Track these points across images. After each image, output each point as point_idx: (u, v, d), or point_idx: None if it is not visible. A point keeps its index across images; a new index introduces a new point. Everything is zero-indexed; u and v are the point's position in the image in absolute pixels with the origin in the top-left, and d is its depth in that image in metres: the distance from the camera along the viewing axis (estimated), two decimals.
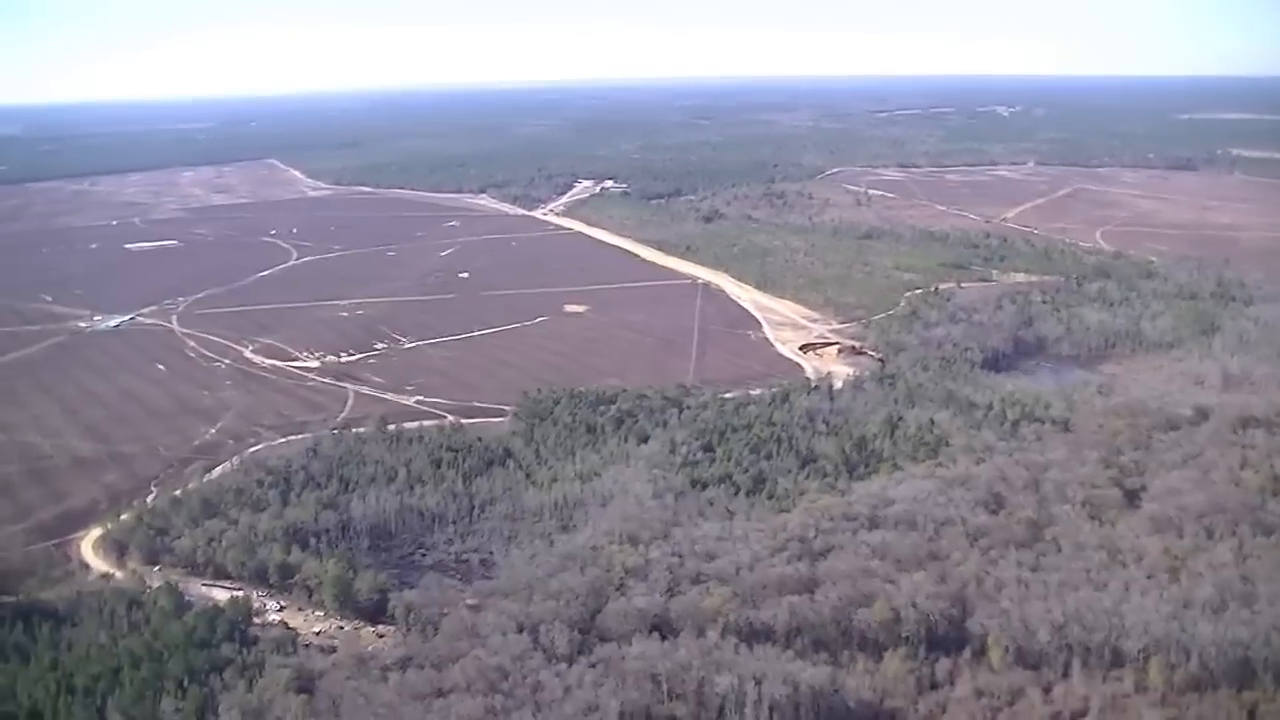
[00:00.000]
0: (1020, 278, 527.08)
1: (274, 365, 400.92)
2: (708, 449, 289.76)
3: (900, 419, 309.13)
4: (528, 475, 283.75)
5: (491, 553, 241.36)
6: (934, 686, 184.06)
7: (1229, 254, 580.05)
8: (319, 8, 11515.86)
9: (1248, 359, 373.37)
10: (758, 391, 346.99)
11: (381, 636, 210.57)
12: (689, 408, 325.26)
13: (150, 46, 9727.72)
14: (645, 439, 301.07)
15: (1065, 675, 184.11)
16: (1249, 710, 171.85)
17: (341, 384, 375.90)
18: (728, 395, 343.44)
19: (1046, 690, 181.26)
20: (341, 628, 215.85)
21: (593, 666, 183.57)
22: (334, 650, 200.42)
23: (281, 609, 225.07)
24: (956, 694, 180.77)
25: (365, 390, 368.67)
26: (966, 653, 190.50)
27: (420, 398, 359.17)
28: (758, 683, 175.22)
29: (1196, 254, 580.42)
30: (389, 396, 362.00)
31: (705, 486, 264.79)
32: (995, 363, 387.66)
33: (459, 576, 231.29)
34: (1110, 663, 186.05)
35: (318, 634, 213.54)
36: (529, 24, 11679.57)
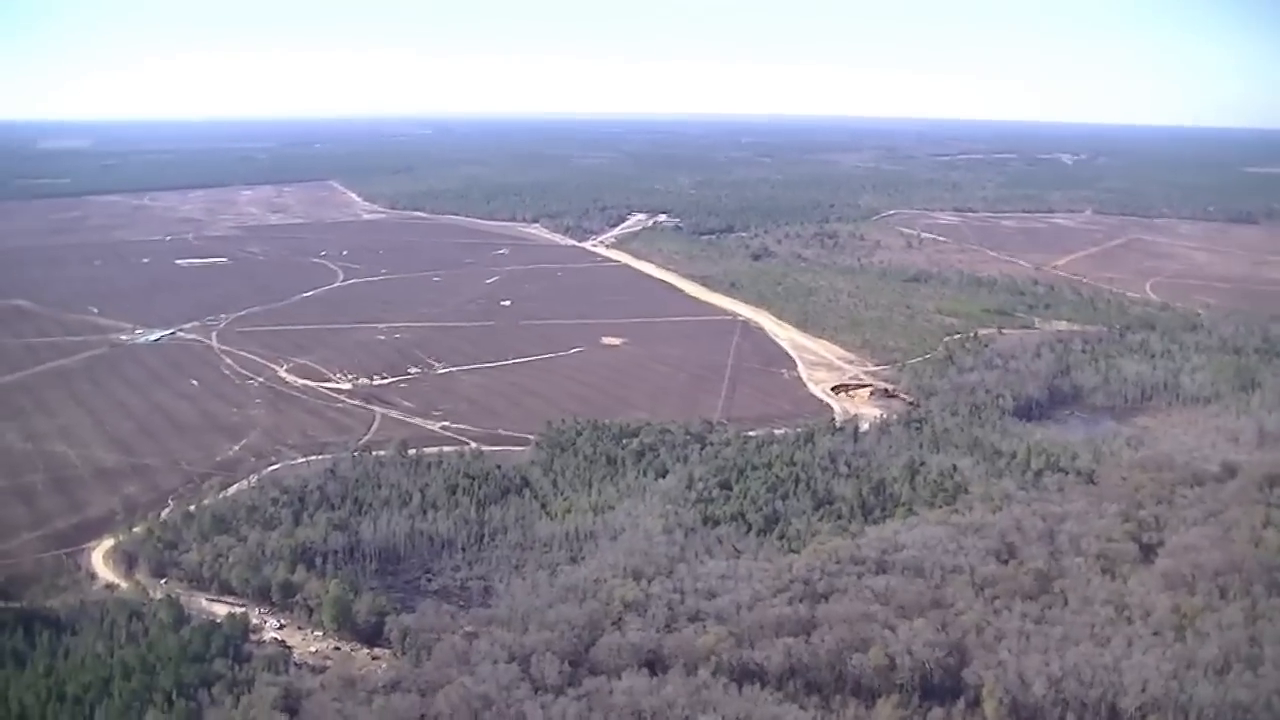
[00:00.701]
0: (1063, 326, 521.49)
1: (306, 385, 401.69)
2: (725, 486, 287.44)
3: (922, 464, 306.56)
4: (543, 505, 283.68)
5: (497, 581, 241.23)
6: None
7: (1279, 309, 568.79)
8: (390, 33, 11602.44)
9: None
10: (783, 431, 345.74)
11: (376, 659, 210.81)
12: (711, 444, 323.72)
13: (222, 66, 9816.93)
14: (664, 473, 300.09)
15: None
16: None
17: (370, 406, 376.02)
18: (752, 433, 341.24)
19: None
20: (338, 649, 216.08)
21: (579, 699, 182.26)
22: (326, 671, 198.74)
23: (281, 627, 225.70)
24: None
25: (393, 414, 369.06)
26: (961, 703, 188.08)
27: (446, 423, 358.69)
28: None
29: (1245, 308, 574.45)
30: (415, 421, 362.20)
31: (717, 524, 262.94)
32: (1028, 411, 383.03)
33: (461, 603, 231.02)
34: (1107, 719, 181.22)
35: (313, 654, 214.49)
36: (596, 57, 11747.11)
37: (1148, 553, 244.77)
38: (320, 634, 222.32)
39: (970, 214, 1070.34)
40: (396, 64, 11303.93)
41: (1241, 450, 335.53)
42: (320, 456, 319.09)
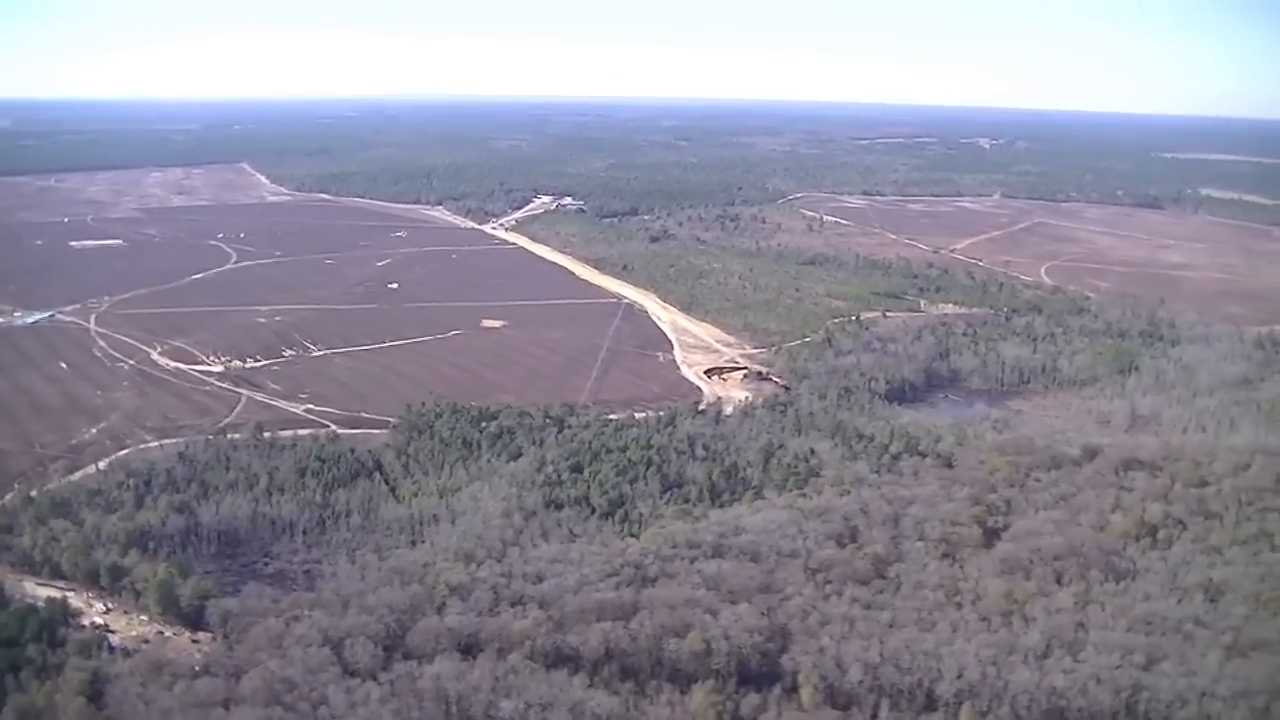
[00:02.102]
0: (949, 309, 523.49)
1: (177, 368, 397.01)
2: (576, 469, 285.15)
3: (780, 447, 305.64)
4: (392, 489, 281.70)
5: (331, 565, 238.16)
6: None
7: (1171, 293, 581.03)
8: (323, 14, 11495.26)
9: (1159, 399, 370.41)
10: (644, 414, 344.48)
11: (196, 643, 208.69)
12: (570, 427, 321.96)
13: (152, 46, 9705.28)
14: (518, 456, 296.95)
15: (874, 717, 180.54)
16: None
17: (238, 389, 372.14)
18: (613, 416, 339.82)
19: None
20: (161, 633, 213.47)
21: (384, 684, 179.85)
22: (136, 655, 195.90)
23: (108, 611, 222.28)
24: None
25: (259, 396, 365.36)
26: (778, 689, 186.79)
27: (311, 406, 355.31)
28: (543, 709, 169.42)
29: (1138, 292, 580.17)
30: (280, 403, 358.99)
31: (560, 507, 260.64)
32: (901, 394, 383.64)
33: (294, 587, 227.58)
34: (923, 706, 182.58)
35: (135, 638, 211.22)
36: (530, 39, 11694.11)
37: (991, 537, 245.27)
38: (146, 618, 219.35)
39: (879, 197, 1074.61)
40: (331, 46, 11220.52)
41: (1111, 433, 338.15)
42: (174, 440, 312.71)
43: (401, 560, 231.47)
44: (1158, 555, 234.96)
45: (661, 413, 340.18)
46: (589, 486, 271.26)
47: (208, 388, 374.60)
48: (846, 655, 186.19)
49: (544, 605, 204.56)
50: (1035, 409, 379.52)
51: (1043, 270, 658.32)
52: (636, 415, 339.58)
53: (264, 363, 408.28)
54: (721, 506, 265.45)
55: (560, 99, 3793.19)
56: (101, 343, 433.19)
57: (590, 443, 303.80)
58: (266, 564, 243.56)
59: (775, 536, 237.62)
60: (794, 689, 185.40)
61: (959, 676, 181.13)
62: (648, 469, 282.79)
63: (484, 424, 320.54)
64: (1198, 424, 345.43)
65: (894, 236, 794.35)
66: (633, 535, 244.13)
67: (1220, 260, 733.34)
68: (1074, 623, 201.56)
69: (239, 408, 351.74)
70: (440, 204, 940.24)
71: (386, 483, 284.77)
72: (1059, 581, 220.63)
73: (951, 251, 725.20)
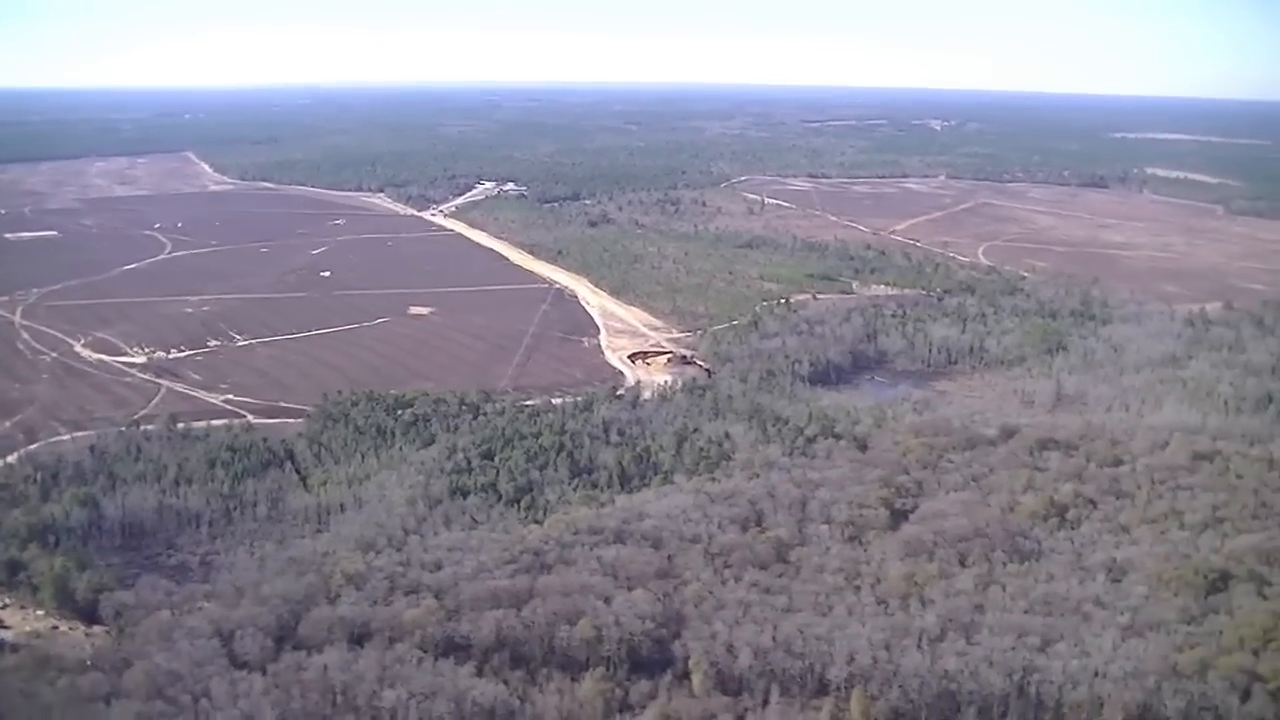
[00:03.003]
0: (882, 290, 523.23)
1: (99, 360, 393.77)
2: (487, 456, 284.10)
3: (695, 431, 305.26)
4: (302, 478, 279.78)
5: (232, 555, 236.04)
6: (626, 709, 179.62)
7: (1107, 272, 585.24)
8: (280, 5, 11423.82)
9: (1085, 378, 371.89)
10: (559, 400, 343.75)
11: (90, 636, 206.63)
12: (485, 414, 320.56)
13: (103, 36, 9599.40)
14: (430, 444, 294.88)
15: (765, 703, 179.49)
16: None
17: (159, 380, 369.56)
18: (530, 402, 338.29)
19: (739, 718, 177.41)
20: (55, 627, 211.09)
21: (269, 675, 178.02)
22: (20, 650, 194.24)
23: (4, 607, 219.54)
24: (645, 718, 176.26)
25: (179, 387, 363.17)
26: (669, 676, 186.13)
27: (230, 397, 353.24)
28: (426, 698, 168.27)
29: (1075, 271, 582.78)
30: (200, 394, 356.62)
31: (466, 495, 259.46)
32: (826, 376, 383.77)
33: (197, 579, 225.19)
34: (814, 691, 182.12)
35: (29, 633, 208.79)
36: (485, 28, 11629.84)
37: (899, 519, 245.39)
38: (42, 613, 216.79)
39: (823, 180, 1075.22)
40: (287, 37, 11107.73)
41: (1034, 413, 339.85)
42: (86, 433, 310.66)
43: (300, 550, 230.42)
44: (1065, 535, 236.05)
45: (580, 398, 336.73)
46: (498, 473, 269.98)
47: (128, 379, 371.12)
48: (738, 641, 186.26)
49: (438, 594, 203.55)
50: (960, 389, 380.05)
51: (980, 251, 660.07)
52: (554, 401, 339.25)
53: (188, 353, 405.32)
54: (631, 492, 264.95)
55: (514, 85, 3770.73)
56: (25, 335, 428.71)
57: (504, 429, 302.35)
58: (170, 556, 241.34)
59: (678, 521, 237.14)
60: (685, 675, 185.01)
61: (850, 661, 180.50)
62: (558, 455, 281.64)
63: (399, 412, 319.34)
64: (1122, 403, 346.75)
65: (835, 218, 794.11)
66: (537, 522, 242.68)
67: (1160, 239, 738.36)
68: (972, 605, 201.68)
69: (157, 399, 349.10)
70: (381, 191, 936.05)
71: (298, 472, 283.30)
72: (962, 563, 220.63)
73: (891, 233, 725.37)
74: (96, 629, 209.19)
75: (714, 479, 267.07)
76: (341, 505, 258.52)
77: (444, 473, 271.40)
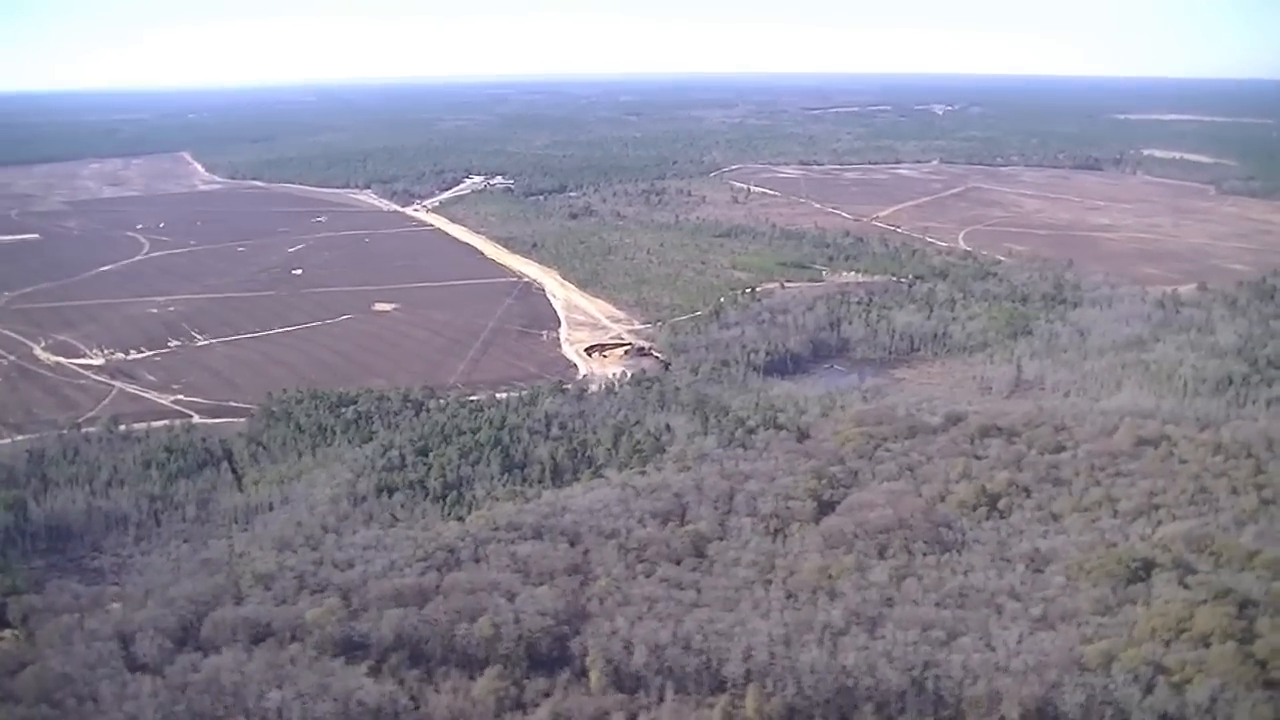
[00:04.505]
0: (853, 277, 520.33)
1: (57, 362, 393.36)
2: (422, 453, 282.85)
3: (637, 423, 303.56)
4: (238, 478, 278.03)
5: (154, 557, 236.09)
6: (520, 707, 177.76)
7: (1087, 255, 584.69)
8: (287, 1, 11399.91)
9: (1047, 363, 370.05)
10: (504, 395, 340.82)
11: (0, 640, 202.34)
12: (428, 410, 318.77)
13: (112, 37, 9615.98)
14: (369, 441, 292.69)
15: (661, 700, 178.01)
16: None
17: (113, 382, 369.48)
18: (475, 397, 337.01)
19: (633, 716, 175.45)
20: None
21: (164, 677, 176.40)
22: None
23: None
24: (536, 717, 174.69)
25: (132, 388, 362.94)
26: (567, 673, 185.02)
27: (180, 397, 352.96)
28: (312, 699, 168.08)
29: (1055, 255, 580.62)
30: (151, 395, 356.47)
31: (393, 492, 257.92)
32: (783, 366, 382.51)
33: (116, 581, 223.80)
34: (711, 688, 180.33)
35: None
36: (495, 16, 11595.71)
37: (826, 510, 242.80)
38: None
39: (815, 167, 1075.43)
40: (296, 32, 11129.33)
41: (990, 399, 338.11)
42: (27, 436, 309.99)
43: (215, 550, 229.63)
44: (992, 525, 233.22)
45: (526, 392, 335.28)
46: (429, 470, 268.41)
47: (82, 381, 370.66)
48: (639, 637, 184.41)
49: (345, 592, 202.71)
50: (919, 376, 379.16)
51: (961, 236, 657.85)
52: (500, 396, 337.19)
53: (147, 354, 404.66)
54: (561, 486, 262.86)
55: (523, 78, 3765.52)
56: None
57: (443, 425, 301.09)
58: (94, 558, 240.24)
59: (599, 516, 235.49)
60: (584, 673, 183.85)
61: (747, 657, 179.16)
62: (492, 450, 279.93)
63: (342, 409, 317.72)
64: (1080, 387, 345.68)
65: (818, 206, 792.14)
66: (459, 519, 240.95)
67: (1147, 220, 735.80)
68: (883, 598, 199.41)
69: (106, 401, 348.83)
70: (369, 187, 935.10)
71: (234, 472, 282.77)
72: (881, 555, 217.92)
73: (874, 220, 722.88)
74: (7, 633, 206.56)
75: (643, 472, 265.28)
76: (270, 504, 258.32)
77: (374, 470, 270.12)
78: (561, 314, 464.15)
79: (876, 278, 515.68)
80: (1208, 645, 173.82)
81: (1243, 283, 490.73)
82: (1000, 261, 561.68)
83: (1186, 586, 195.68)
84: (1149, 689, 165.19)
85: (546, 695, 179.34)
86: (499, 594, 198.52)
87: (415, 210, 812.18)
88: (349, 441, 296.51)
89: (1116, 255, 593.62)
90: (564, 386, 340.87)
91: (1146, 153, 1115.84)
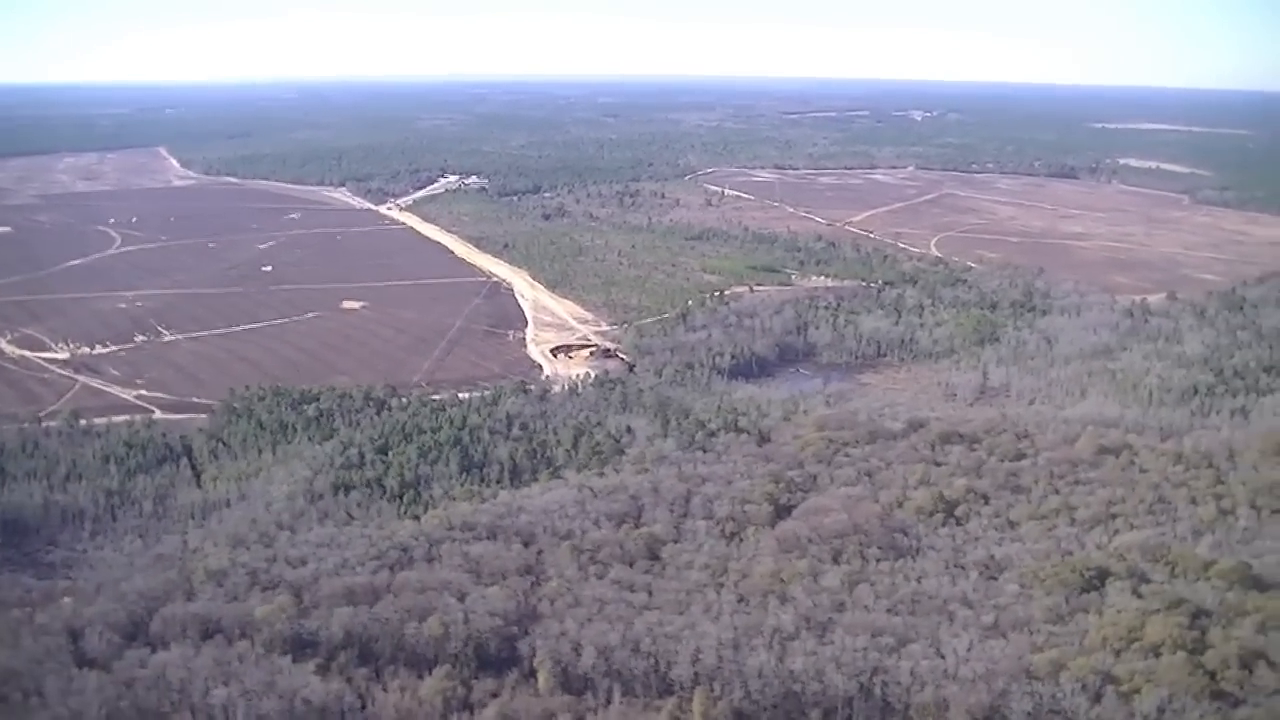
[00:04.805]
0: (822, 282, 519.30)
1: (21, 356, 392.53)
2: (382, 451, 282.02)
3: (597, 425, 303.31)
4: (197, 474, 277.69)
5: (109, 552, 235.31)
6: (467, 707, 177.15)
7: (1058, 263, 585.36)
8: None
9: (1013, 370, 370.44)
10: (466, 395, 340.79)
11: None
12: (390, 408, 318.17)
13: (96, 31, 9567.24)
14: (329, 439, 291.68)
15: (608, 703, 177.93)
16: None
17: (77, 376, 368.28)
18: (437, 397, 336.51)
19: (579, 718, 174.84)
20: None
21: (105, 673, 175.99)
22: None
23: None
24: (483, 718, 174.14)
25: (95, 383, 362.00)
26: (515, 674, 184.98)
27: (143, 392, 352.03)
28: (257, 696, 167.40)
29: (1026, 262, 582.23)
30: (114, 390, 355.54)
31: (350, 490, 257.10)
32: (748, 369, 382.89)
33: (69, 575, 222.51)
34: (659, 690, 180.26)
35: None
36: (486, 11, 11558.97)
37: (782, 515, 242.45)
38: None
39: (790, 171, 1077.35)
40: (279, 28, 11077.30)
41: (953, 405, 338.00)
42: None
43: (168, 546, 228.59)
44: (948, 532, 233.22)
45: (489, 392, 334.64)
46: (387, 469, 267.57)
47: (45, 375, 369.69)
48: (588, 639, 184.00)
49: (297, 590, 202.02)
50: (885, 382, 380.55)
51: (933, 242, 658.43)
52: (463, 395, 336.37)
53: (112, 349, 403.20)
54: (519, 487, 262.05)
55: (504, 79, 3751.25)
56: None
57: (404, 424, 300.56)
58: (49, 553, 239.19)
59: (554, 517, 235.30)
60: (533, 674, 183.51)
61: (695, 660, 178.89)
62: (451, 449, 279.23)
63: (304, 407, 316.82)
64: (1046, 395, 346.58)
65: (792, 210, 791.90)
66: (415, 518, 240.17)
67: (1119, 229, 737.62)
68: (834, 603, 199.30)
69: (69, 395, 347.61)
70: (343, 185, 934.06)
71: (193, 468, 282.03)
72: (836, 560, 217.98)
73: (846, 225, 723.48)
74: None
75: (601, 474, 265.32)
76: (228, 501, 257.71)
77: (333, 467, 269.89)
78: (529, 314, 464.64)
79: (846, 282, 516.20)
80: (1158, 655, 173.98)
81: (1212, 293, 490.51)
82: (971, 268, 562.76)
83: (1140, 596, 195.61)
84: (1097, 698, 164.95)
85: (494, 696, 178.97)
86: (450, 594, 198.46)
87: (389, 209, 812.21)
88: (309, 439, 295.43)
89: (1088, 264, 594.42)
90: (527, 387, 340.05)
91: (1123, 162, 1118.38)
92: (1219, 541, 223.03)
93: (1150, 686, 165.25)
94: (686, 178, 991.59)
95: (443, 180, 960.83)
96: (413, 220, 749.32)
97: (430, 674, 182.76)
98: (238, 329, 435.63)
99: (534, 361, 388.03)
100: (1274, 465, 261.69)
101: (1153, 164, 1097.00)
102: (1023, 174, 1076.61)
